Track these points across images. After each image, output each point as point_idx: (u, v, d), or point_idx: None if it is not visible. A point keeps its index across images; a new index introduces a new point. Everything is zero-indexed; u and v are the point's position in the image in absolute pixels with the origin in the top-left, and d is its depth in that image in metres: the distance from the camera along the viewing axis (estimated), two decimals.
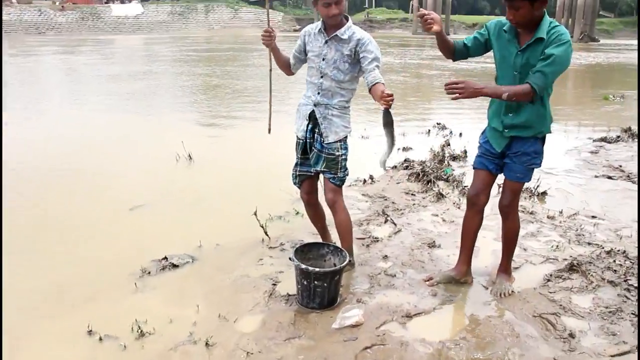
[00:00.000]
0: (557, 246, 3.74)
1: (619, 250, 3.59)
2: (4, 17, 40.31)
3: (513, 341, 2.66)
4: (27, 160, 6.01)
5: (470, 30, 45.12)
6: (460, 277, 3.21)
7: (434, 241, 3.82)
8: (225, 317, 2.84)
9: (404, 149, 6.50)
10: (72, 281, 3.29)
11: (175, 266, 3.44)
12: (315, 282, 2.83)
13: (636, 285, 3.15)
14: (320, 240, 3.48)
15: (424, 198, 4.77)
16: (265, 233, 3.82)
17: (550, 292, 3.11)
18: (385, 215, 4.25)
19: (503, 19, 2.80)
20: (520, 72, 2.73)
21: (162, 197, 4.84)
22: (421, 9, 2.90)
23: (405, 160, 5.79)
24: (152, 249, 3.63)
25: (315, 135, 3.13)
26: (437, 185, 5.00)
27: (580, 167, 5.95)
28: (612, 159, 6.22)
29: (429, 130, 7.77)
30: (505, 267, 3.21)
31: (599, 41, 42.71)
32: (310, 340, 2.64)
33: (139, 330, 2.69)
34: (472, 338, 2.69)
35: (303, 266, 2.84)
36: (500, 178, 3.09)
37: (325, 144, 3.10)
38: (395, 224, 4.12)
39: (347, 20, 3.01)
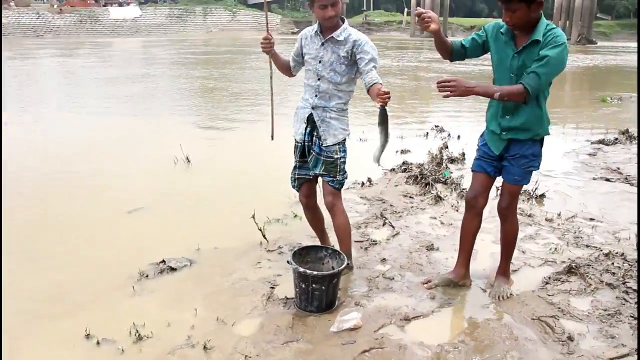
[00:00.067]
0: (556, 249, 3.74)
1: (617, 253, 3.59)
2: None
3: (512, 344, 2.65)
4: (26, 162, 6.00)
5: (468, 33, 45.18)
6: (459, 280, 3.21)
7: (432, 244, 3.82)
8: (224, 320, 2.84)
9: (403, 152, 6.51)
10: (71, 284, 3.28)
11: (173, 270, 3.43)
12: (314, 285, 2.82)
13: (635, 288, 3.14)
14: (318, 243, 3.47)
15: (422, 201, 4.77)
16: (264, 236, 3.81)
17: (549, 295, 3.10)
18: (384, 219, 4.24)
19: (501, 21, 2.80)
20: (517, 75, 2.73)
21: (160, 200, 4.84)
22: (419, 8, 2.91)
23: (403, 163, 5.78)
24: (150, 252, 3.62)
25: (314, 138, 3.12)
26: (436, 188, 5.00)
27: (578, 169, 5.95)
28: (611, 162, 6.23)
29: (428, 133, 7.77)
30: (504, 270, 3.21)
31: (597, 44, 42.86)
32: (308, 344, 2.64)
33: (137, 334, 2.68)
34: (470, 341, 2.68)
35: (301, 270, 2.84)
36: (499, 181, 3.09)
37: (324, 147, 3.09)
38: (393, 227, 4.11)
39: (344, 23, 3.01)
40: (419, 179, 5.20)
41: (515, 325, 2.82)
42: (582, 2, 43.37)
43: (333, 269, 3.01)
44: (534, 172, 2.99)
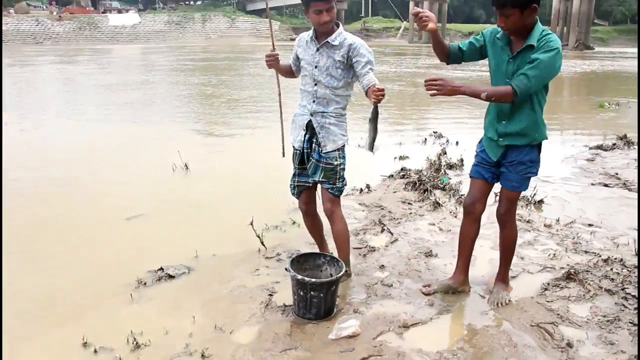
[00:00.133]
0: (554, 255, 3.74)
1: (616, 259, 3.58)
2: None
3: (511, 351, 2.64)
4: (25, 168, 5.99)
5: (466, 38, 45.22)
6: (457, 287, 3.20)
7: (430, 250, 3.81)
8: (222, 328, 2.82)
9: (401, 158, 6.51)
10: (68, 291, 3.27)
11: (171, 277, 3.42)
12: (312, 292, 2.81)
13: (634, 293, 3.14)
14: (316, 250, 3.47)
15: (420, 207, 4.76)
16: (262, 243, 3.80)
17: (548, 301, 3.10)
18: (382, 225, 4.24)
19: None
20: (512, 80, 2.74)
21: (159, 207, 4.83)
22: (416, 8, 2.92)
23: (401, 169, 5.78)
24: (148, 259, 3.61)
25: (313, 145, 3.12)
26: (434, 194, 4.99)
27: (576, 175, 5.96)
28: (609, 167, 6.24)
29: (426, 139, 7.78)
30: (503, 276, 3.20)
31: (594, 49, 43.07)
32: (306, 352, 2.62)
33: (135, 342, 2.67)
34: (469, 348, 2.67)
35: (299, 277, 2.83)
36: (497, 187, 3.09)
37: (324, 153, 3.08)
38: (391, 234, 4.11)
39: (338, 27, 3.01)
40: (417, 185, 5.20)
41: (514, 331, 2.81)
42: (579, 8, 43.62)
43: (331, 275, 3.01)
44: (532, 178, 2.99)
